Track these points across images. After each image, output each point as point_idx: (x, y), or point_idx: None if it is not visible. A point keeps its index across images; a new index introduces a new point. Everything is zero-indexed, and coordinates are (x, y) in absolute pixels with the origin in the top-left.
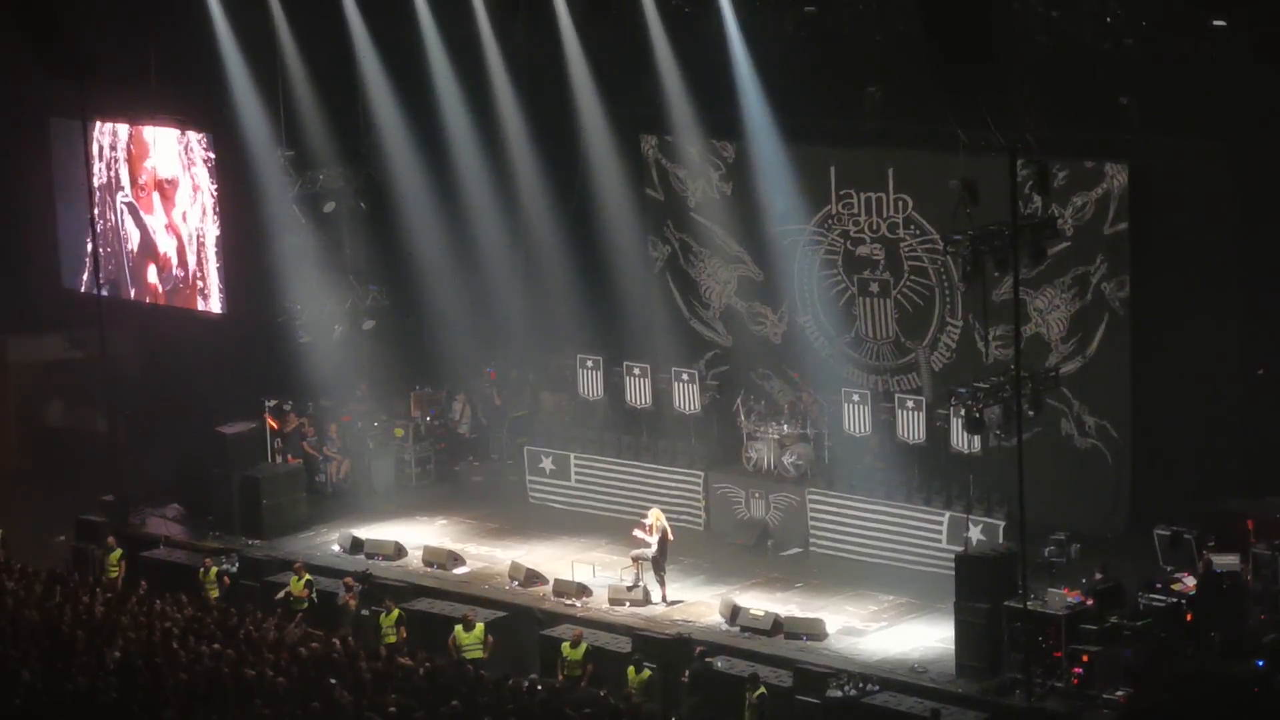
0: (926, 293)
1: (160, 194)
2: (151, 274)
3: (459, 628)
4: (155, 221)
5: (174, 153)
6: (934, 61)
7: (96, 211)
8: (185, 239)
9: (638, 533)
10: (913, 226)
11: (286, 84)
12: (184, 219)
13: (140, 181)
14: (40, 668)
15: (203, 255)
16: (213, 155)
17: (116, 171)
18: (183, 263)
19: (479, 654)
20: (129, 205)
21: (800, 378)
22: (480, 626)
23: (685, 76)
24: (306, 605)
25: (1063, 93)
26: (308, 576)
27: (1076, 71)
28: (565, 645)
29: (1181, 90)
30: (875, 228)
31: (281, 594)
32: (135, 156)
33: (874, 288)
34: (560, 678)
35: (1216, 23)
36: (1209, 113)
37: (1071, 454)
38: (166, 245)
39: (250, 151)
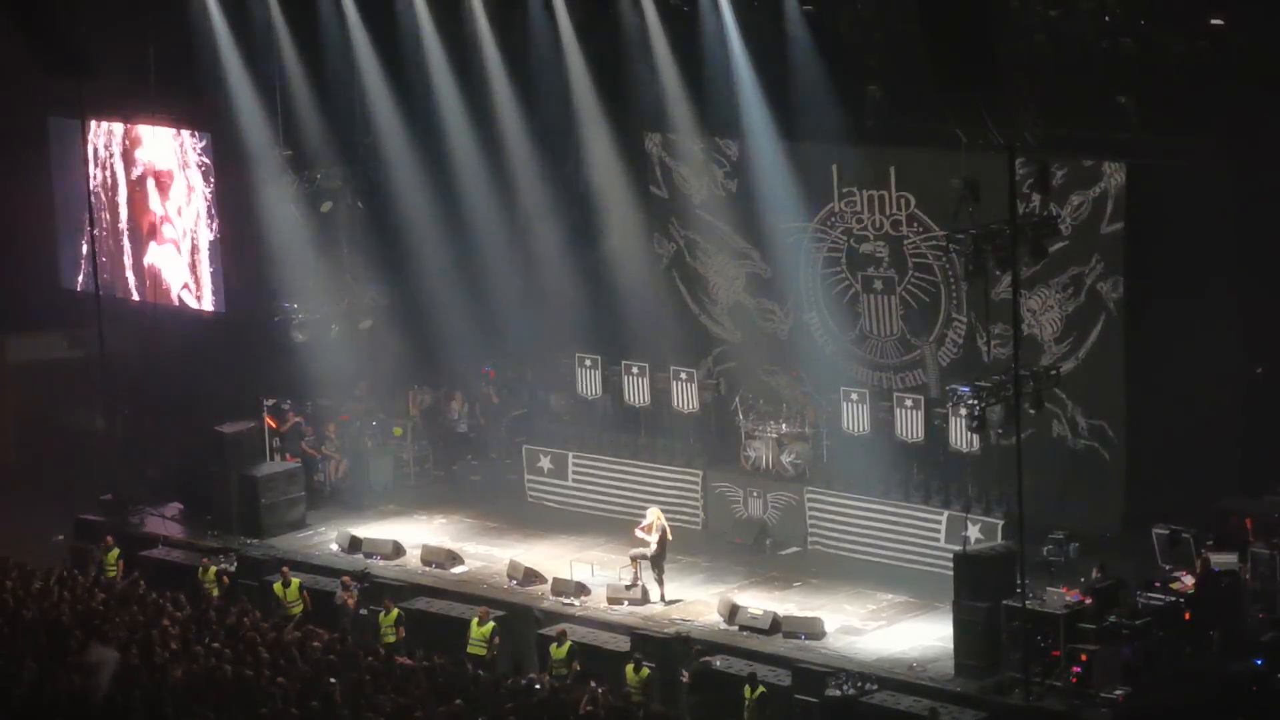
0: (932, 289)
1: (156, 185)
2: (148, 261)
3: (475, 620)
4: (152, 212)
5: (170, 148)
6: (933, 60)
7: (99, 210)
8: (180, 233)
9: (639, 533)
10: (915, 224)
11: (285, 83)
12: (179, 213)
13: (134, 175)
14: (38, 667)
15: (196, 258)
16: (206, 160)
17: (113, 169)
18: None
19: (481, 651)
20: (126, 202)
21: (798, 376)
22: (491, 626)
23: (687, 75)
24: (300, 610)
25: (1061, 91)
26: (296, 580)
27: (1075, 70)
28: (552, 645)
29: (1179, 89)
30: (878, 225)
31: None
32: (129, 149)
33: (878, 285)
34: (547, 678)
35: (1214, 21)
36: (1207, 111)
37: (1067, 454)
38: (164, 236)
39: (248, 150)
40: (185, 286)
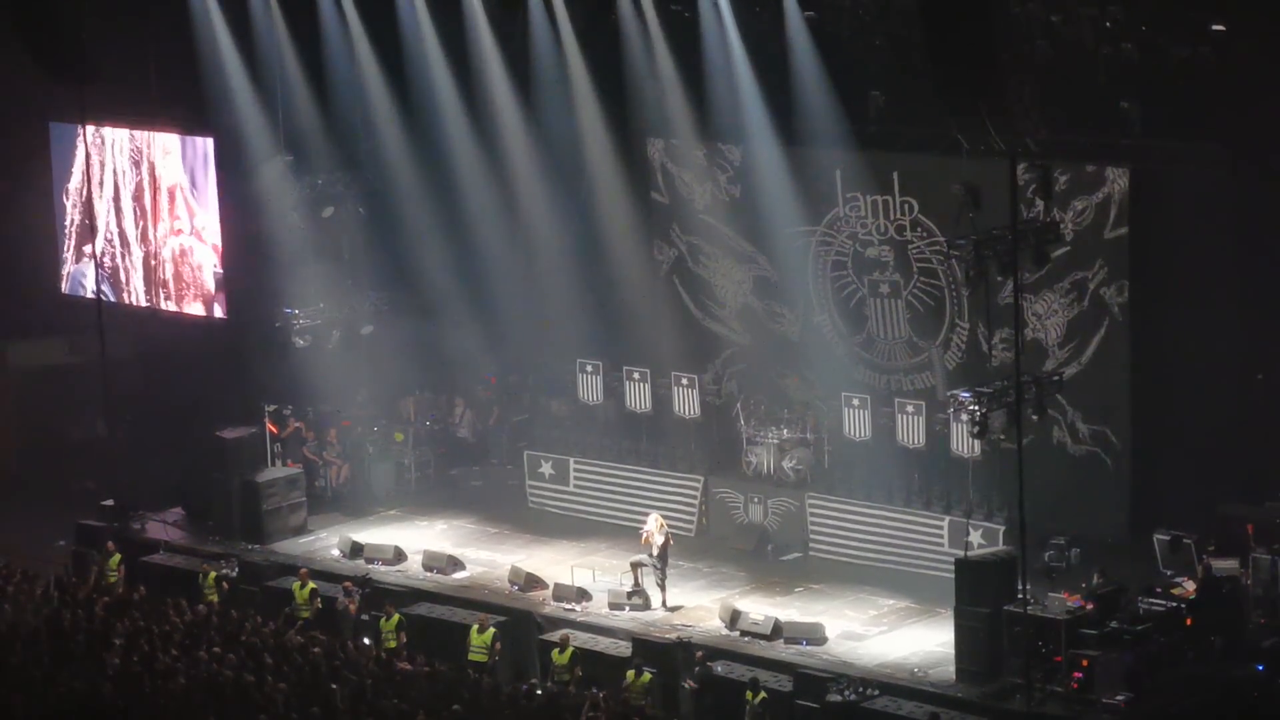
0: (937, 294)
1: (170, 199)
2: (150, 275)
3: (474, 627)
4: (160, 225)
5: (176, 154)
6: (935, 66)
7: (100, 215)
8: (187, 245)
9: (654, 532)
10: (920, 229)
11: (287, 88)
12: (183, 217)
13: (142, 181)
14: (40, 672)
15: (199, 261)
16: (209, 165)
17: (122, 176)
18: (184, 265)
19: (482, 658)
20: (133, 210)
21: (799, 382)
22: (491, 632)
23: (689, 81)
24: (308, 614)
25: (1063, 97)
26: (312, 585)
27: (1077, 76)
28: (554, 651)
29: (1182, 94)
30: (883, 230)
31: (289, 609)
32: (140, 161)
33: (884, 289)
34: (549, 684)
35: (1215, 27)
36: (1209, 117)
37: (1068, 460)
38: (167, 247)
39: (250, 156)
40: (203, 304)
